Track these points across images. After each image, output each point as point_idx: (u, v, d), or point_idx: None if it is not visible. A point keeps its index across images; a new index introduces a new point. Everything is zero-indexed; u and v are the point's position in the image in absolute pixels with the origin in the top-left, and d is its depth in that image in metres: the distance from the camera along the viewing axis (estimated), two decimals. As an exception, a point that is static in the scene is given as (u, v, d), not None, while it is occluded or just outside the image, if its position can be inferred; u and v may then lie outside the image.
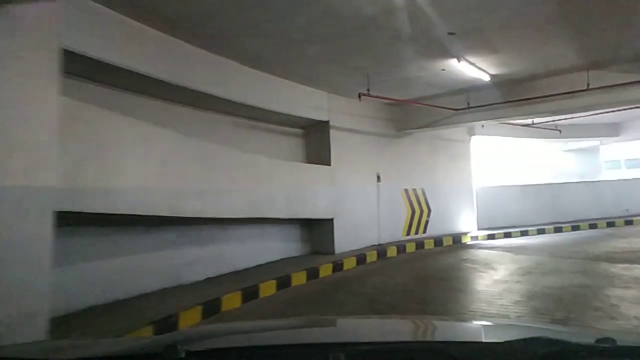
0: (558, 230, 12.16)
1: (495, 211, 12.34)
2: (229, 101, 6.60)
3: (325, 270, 7.34)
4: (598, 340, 1.08)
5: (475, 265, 7.94)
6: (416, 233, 10.62)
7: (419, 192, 10.76)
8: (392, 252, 9.21)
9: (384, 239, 9.73)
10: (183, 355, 1.06)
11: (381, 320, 2.10)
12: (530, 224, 12.37)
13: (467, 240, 10.98)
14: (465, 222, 11.74)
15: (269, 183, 7.27)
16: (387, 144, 10.11)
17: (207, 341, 1.49)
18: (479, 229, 11.83)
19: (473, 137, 12.25)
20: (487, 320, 4.08)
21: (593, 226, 12.63)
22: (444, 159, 11.43)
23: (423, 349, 1.18)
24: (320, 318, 2.98)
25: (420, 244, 10.00)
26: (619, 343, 1.09)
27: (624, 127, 14.20)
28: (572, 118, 11.64)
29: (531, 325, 2.53)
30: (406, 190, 10.48)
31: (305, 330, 1.69)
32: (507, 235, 11.54)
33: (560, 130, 12.52)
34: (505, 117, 8.50)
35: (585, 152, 16.57)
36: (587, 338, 1.13)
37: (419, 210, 10.71)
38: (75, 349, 1.42)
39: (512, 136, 12.79)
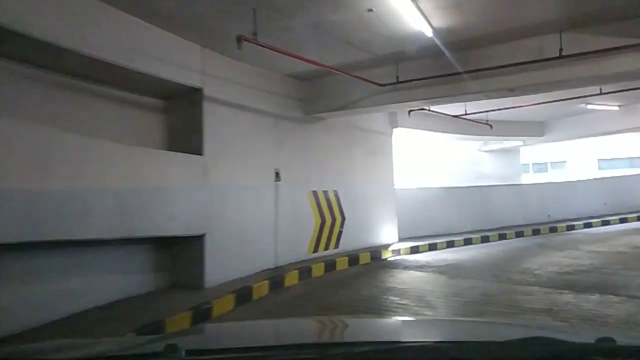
0: (485, 239, 10.84)
1: (417, 217, 10.60)
2: (22, 36, 3.62)
3: (178, 323, 4.46)
4: (598, 340, 1.05)
5: (404, 301, 5.66)
6: (326, 248, 8.19)
7: (331, 195, 8.34)
8: (292, 279, 6.64)
9: (283, 260, 7.14)
10: (183, 354, 1.04)
11: (381, 320, 2.01)
12: (455, 232, 11.00)
13: (388, 255, 8.84)
14: (386, 231, 9.58)
15: (83, 179, 4.27)
16: (290, 131, 7.52)
17: (208, 340, 1.50)
18: (400, 240, 9.81)
19: (395, 130, 10.23)
20: (485, 319, 3.93)
21: (520, 234, 11.59)
22: (362, 154, 9.16)
23: (421, 349, 1.15)
24: (321, 318, 3.08)
25: (331, 264, 7.59)
26: (618, 342, 1.06)
27: (548, 126, 13.19)
28: (499, 110, 10.12)
29: (531, 324, 2.39)
30: (315, 193, 8.00)
31: (306, 330, 1.66)
32: (433, 247, 9.73)
33: (491, 126, 10.93)
34: (446, 96, 6.31)
35: (505, 153, 15.60)
36: (587, 337, 1.11)
37: (330, 219, 8.29)
38: (76, 349, 1.37)
39: (440, 130, 10.99)
